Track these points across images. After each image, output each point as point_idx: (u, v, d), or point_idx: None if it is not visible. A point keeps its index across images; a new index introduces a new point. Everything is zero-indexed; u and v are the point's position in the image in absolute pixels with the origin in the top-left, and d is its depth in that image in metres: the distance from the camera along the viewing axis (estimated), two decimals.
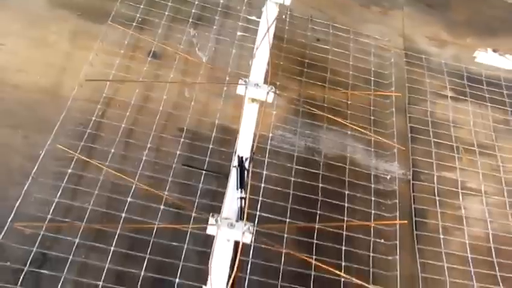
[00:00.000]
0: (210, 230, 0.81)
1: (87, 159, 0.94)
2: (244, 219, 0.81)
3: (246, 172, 0.88)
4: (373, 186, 1.09)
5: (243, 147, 0.92)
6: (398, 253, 0.99)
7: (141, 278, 0.84)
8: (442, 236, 1.07)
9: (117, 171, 0.93)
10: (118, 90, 1.07)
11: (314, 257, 0.92)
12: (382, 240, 1.01)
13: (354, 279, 0.84)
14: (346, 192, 1.06)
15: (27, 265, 0.82)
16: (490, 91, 1.37)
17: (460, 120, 1.29)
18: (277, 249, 0.90)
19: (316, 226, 0.98)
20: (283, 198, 1.00)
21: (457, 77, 1.37)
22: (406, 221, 1.03)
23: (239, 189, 0.86)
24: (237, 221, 0.81)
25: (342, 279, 0.89)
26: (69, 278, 0.82)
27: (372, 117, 1.21)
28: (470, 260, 1.05)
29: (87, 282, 0.83)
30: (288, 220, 0.97)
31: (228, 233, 0.80)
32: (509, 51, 1.38)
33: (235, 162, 0.89)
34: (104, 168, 0.93)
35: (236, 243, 0.81)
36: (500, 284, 1.04)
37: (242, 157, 0.89)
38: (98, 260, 0.85)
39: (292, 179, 1.04)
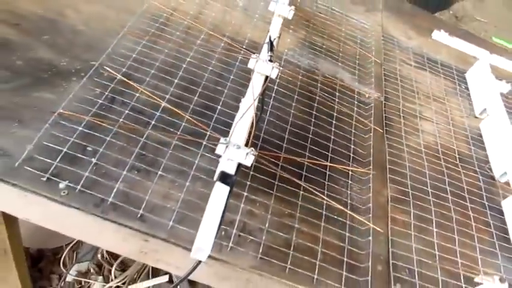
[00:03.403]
0: (251, 64, 1.27)
1: (156, 39, 1.43)
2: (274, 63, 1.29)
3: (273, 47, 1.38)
4: (356, 96, 1.59)
5: (272, 34, 1.43)
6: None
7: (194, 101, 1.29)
8: (403, 134, 1.55)
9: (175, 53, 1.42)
10: (180, 5, 1.59)
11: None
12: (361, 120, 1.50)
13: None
14: (337, 93, 1.56)
15: (120, 74, 1.25)
16: (444, 70, 1.96)
17: (419, 79, 1.85)
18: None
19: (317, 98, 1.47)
20: (292, 90, 1.50)
21: (419, 56, 1.97)
22: (379, 94, 1.53)
23: (269, 52, 1.35)
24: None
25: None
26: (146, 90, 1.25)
27: (357, 61, 1.75)
28: (423, 152, 1.53)
29: (156, 95, 1.25)
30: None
31: (263, 66, 1.26)
32: None
33: (266, 39, 1.40)
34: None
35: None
36: (444, 169, 1.51)
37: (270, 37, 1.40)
38: (166, 85, 1.29)
39: (300, 76, 1.53)
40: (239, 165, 1.06)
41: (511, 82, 1.79)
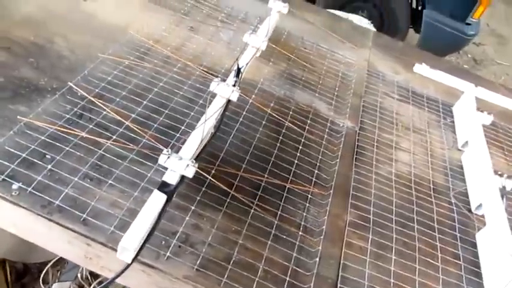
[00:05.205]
0: (212, 86, 1.33)
1: (134, 66, 1.53)
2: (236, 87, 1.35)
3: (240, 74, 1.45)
4: (328, 125, 1.61)
5: (241, 62, 1.51)
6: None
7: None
8: (374, 163, 1.55)
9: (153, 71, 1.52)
10: (163, 38, 1.70)
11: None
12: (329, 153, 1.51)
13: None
14: (308, 121, 1.59)
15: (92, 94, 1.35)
16: (428, 104, 1.96)
17: (402, 112, 1.85)
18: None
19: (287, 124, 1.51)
20: (261, 117, 1.54)
21: (404, 90, 1.98)
22: (354, 123, 1.55)
23: (235, 77, 1.41)
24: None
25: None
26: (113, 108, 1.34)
27: (336, 93, 1.79)
28: (393, 181, 1.51)
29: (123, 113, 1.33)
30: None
31: (223, 89, 1.32)
32: None
33: (234, 67, 1.47)
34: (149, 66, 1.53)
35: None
36: (414, 199, 1.48)
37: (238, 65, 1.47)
38: (135, 106, 1.37)
39: (271, 104, 1.58)
40: (182, 177, 1.10)
41: (493, 113, 1.76)
